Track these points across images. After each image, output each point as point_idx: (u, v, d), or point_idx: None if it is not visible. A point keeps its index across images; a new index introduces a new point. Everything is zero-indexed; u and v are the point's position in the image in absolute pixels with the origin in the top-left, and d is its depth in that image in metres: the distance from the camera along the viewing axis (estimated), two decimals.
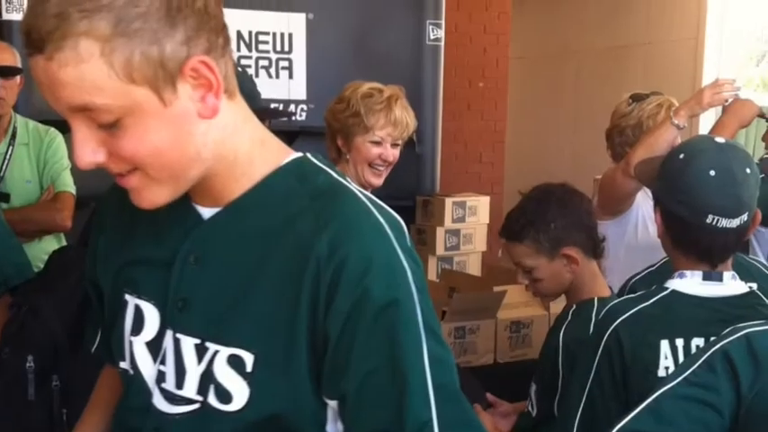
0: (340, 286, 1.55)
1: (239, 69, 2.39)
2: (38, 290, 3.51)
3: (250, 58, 6.65)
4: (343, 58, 6.86)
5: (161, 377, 1.72)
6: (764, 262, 3.69)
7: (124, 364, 1.81)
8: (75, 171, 4.61)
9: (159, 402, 1.72)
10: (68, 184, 4.70)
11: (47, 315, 3.41)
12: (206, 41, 1.51)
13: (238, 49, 6.52)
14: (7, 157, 4.63)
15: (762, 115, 4.39)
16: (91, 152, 1.52)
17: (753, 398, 2.10)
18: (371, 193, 1.71)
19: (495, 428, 3.39)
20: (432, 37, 7.27)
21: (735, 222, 2.56)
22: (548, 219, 3.14)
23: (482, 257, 7.50)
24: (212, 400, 1.64)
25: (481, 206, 7.36)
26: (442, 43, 7.39)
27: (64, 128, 3.02)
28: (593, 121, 6.74)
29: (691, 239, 2.63)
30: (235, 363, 1.62)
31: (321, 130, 3.93)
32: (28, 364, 3.33)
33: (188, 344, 1.67)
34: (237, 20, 6.38)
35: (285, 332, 1.59)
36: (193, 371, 1.67)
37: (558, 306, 3.63)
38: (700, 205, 2.56)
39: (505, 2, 10.35)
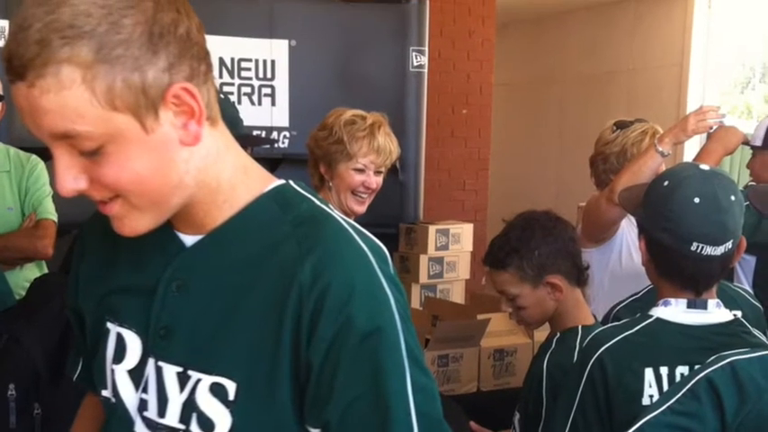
0: (323, 314, 1.53)
1: (221, 96, 2.39)
2: (19, 318, 3.51)
3: (232, 84, 6.65)
4: (325, 84, 6.87)
5: (143, 405, 1.70)
6: (749, 289, 3.69)
7: (106, 393, 1.79)
8: (57, 198, 4.58)
9: (141, 431, 1.71)
10: (50, 212, 4.67)
11: (28, 343, 3.40)
12: (188, 68, 1.50)
13: (221, 76, 6.53)
14: None
15: (746, 142, 4.41)
16: (73, 179, 1.51)
17: (737, 426, 2.10)
18: (355, 220, 1.70)
19: None
20: (415, 63, 7.29)
21: (719, 250, 2.56)
22: (532, 246, 3.13)
23: (465, 285, 7.51)
24: (195, 428, 1.63)
25: (465, 234, 7.36)
26: (426, 70, 7.41)
27: (45, 155, 3.01)
28: (577, 148, 6.78)
29: (675, 267, 2.62)
30: (217, 391, 1.61)
31: (304, 157, 3.92)
32: (9, 393, 3.32)
33: (170, 372, 1.66)
34: (220, 46, 6.38)
35: (268, 360, 1.58)
36: (175, 399, 1.66)
37: (541, 334, 3.62)
38: (684, 233, 2.56)
39: (489, 29, 10.36)
